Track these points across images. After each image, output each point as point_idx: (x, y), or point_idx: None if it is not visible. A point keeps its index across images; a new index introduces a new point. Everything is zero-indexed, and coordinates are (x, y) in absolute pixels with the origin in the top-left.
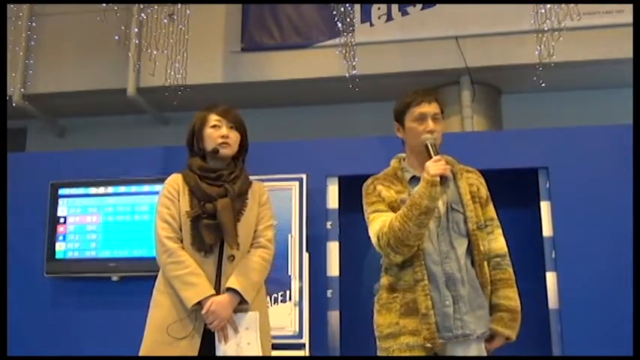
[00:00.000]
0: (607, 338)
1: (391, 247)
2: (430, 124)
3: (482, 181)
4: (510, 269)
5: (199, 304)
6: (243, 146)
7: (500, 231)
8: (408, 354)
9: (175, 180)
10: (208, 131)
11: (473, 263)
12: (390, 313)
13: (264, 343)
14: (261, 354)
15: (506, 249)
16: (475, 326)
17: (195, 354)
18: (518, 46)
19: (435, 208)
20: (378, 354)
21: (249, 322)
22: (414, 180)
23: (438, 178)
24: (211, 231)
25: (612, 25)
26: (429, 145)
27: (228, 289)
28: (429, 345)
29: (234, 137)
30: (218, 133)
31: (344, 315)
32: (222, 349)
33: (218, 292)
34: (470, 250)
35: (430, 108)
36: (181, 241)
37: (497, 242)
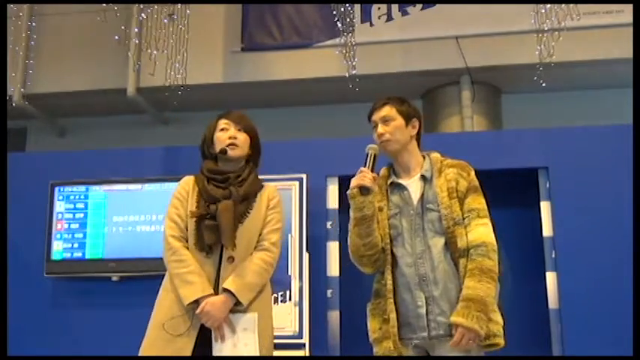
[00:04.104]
0: (607, 338)
1: (355, 261)
2: (378, 129)
3: (466, 173)
4: (482, 259)
5: (196, 303)
6: (254, 149)
7: (480, 221)
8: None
9: (187, 182)
10: (217, 134)
11: (455, 261)
12: (375, 318)
13: (265, 345)
14: (258, 355)
15: (484, 239)
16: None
17: (190, 352)
18: (518, 46)
19: (368, 217)
20: None
21: (248, 323)
22: (393, 186)
23: (356, 190)
24: (211, 231)
25: (612, 25)
26: (366, 155)
27: (224, 290)
28: (392, 348)
29: (243, 139)
30: (226, 135)
31: (344, 315)
32: (217, 348)
33: (217, 293)
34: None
35: (378, 114)
36: (187, 241)
37: (472, 234)
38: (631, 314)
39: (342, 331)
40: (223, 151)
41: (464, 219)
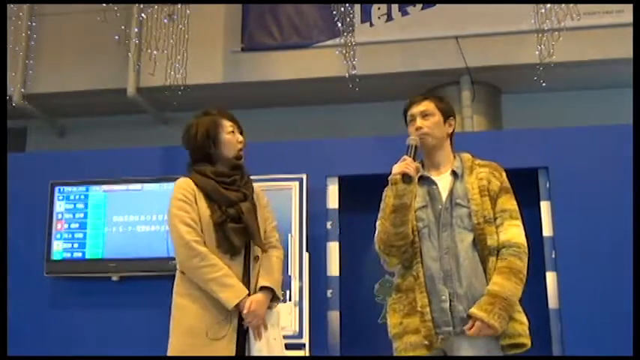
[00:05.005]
0: (607, 338)
1: (382, 251)
2: (417, 122)
3: (498, 174)
4: (514, 259)
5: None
6: None
7: (513, 222)
8: (411, 353)
9: (188, 184)
10: (227, 137)
11: (483, 259)
12: (395, 313)
13: (282, 340)
14: (284, 348)
15: (517, 240)
16: None
17: (233, 353)
18: (518, 46)
19: (407, 205)
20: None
21: (274, 318)
22: (422, 179)
23: (399, 177)
24: (239, 234)
25: (612, 25)
26: (408, 146)
27: (262, 288)
28: (426, 343)
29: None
30: (236, 139)
31: (344, 315)
32: (257, 347)
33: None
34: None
35: (417, 108)
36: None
37: (505, 234)
38: (631, 314)
39: (342, 331)
40: (239, 157)
41: (495, 218)
